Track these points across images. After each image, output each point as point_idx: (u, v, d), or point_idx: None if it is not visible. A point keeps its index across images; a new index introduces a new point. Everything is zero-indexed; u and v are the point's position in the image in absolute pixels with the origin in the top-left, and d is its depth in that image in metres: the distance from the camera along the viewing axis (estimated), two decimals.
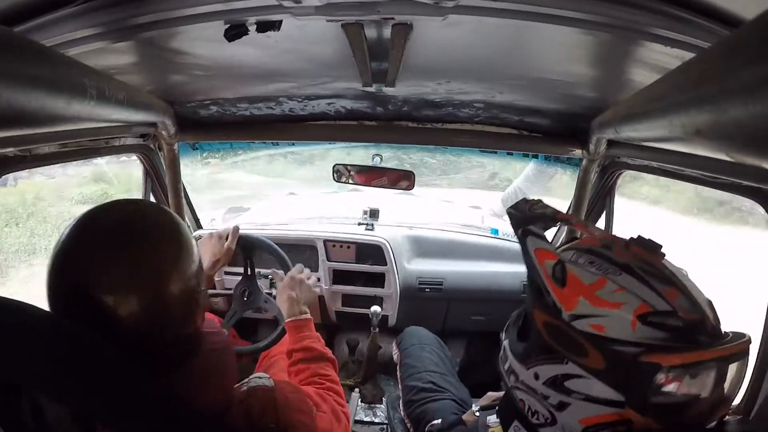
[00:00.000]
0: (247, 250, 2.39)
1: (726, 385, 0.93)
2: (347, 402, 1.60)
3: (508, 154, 2.58)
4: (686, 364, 0.90)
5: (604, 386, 0.95)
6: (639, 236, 1.07)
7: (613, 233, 2.44)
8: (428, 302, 3.09)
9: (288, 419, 1.18)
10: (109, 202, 1.02)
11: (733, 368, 0.93)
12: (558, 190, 3.70)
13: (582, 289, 1.00)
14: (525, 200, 1.30)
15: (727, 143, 0.70)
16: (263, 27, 1.18)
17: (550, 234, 2.84)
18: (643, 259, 1.02)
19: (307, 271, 2.10)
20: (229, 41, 1.21)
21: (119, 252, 0.91)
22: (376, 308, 2.87)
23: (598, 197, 2.52)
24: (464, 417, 1.64)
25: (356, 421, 2.74)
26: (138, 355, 0.91)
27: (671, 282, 0.98)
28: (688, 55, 1.06)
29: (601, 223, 2.57)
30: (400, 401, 2.14)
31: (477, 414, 1.53)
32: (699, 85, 0.74)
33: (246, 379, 1.25)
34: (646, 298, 0.96)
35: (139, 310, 0.91)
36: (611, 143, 2.06)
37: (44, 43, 0.96)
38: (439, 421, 1.68)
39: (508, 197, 3.68)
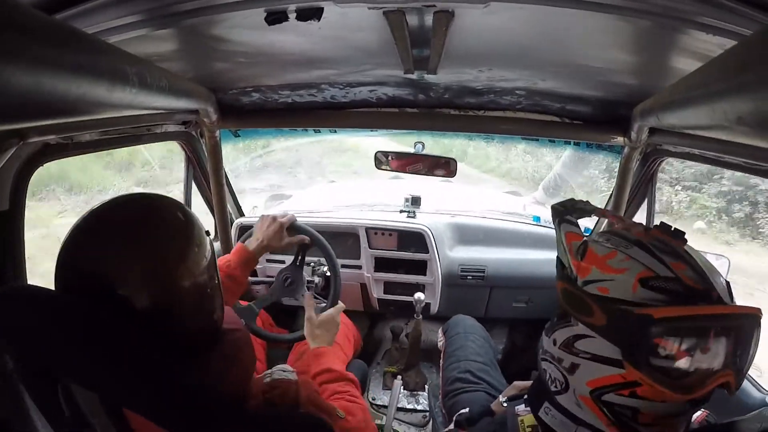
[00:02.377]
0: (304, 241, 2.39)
1: (730, 353, 0.94)
2: (390, 389, 1.61)
3: (550, 141, 2.54)
4: (678, 317, 0.93)
5: (606, 343, 1.00)
6: (662, 222, 1.12)
7: (654, 219, 2.43)
8: (470, 290, 3.08)
9: (308, 411, 1.19)
10: (120, 195, 1.04)
11: (736, 336, 0.94)
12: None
13: (596, 260, 1.08)
14: (572, 200, 1.42)
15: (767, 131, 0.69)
16: (304, 16, 1.18)
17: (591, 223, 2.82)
18: (659, 238, 1.07)
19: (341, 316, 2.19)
20: (270, 25, 1.21)
21: (127, 245, 0.94)
22: (420, 295, 2.85)
23: (639, 184, 2.49)
24: (492, 407, 1.64)
25: (398, 409, 2.74)
26: (153, 342, 0.93)
27: (681, 257, 1.02)
28: (730, 43, 1.04)
29: (643, 210, 2.55)
30: (440, 391, 2.15)
31: (505, 404, 1.53)
32: (740, 72, 0.74)
33: (269, 371, 1.26)
34: (649, 265, 1.00)
35: (148, 303, 0.93)
36: (653, 131, 2.03)
37: (85, 31, 0.96)
38: (467, 410, 1.68)
39: (549, 184, 3.65)
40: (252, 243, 2.16)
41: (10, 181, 1.37)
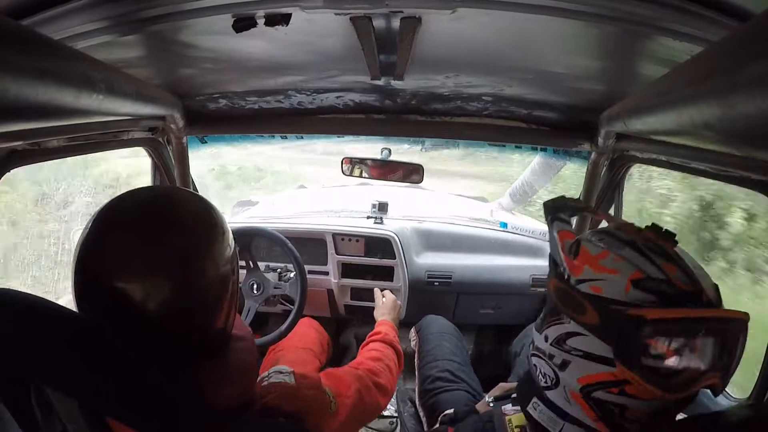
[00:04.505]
0: (242, 243, 2.40)
1: (717, 355, 0.97)
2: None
3: (517, 147, 2.57)
4: (669, 319, 0.95)
5: (599, 342, 1.01)
6: (654, 224, 1.12)
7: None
8: (437, 295, 3.10)
9: (302, 420, 1.18)
10: (137, 188, 1.02)
11: (724, 338, 0.97)
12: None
13: (588, 259, 1.09)
14: (564, 197, 1.44)
15: (735, 137, 0.71)
16: (272, 21, 1.18)
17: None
18: (650, 240, 1.08)
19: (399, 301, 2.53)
20: (237, 32, 1.21)
21: (147, 237, 0.92)
22: None
23: (606, 190, 2.52)
24: (477, 407, 1.65)
25: None
26: (161, 348, 0.92)
27: (672, 259, 1.03)
28: (697, 49, 1.06)
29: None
30: (416, 390, 2.18)
31: (491, 405, 1.55)
32: (707, 78, 0.75)
33: (267, 373, 1.26)
34: (642, 266, 1.02)
35: (169, 296, 0.91)
36: (620, 137, 2.05)
37: (52, 36, 0.96)
38: (452, 411, 1.70)
39: (516, 191, 3.67)
40: None
41: None
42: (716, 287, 1.03)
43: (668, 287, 0.98)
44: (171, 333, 0.93)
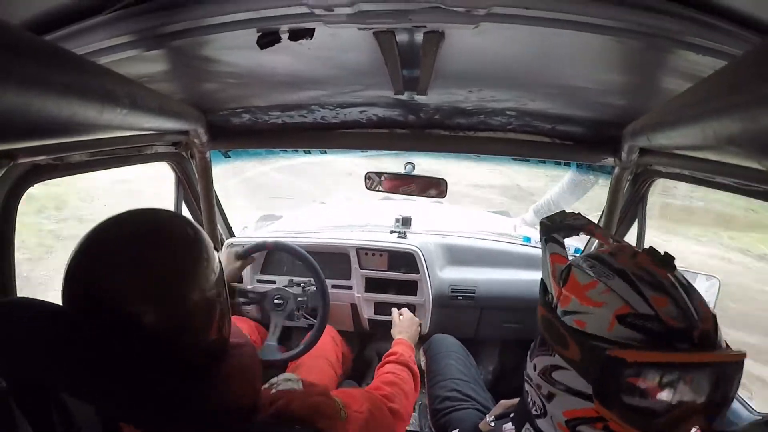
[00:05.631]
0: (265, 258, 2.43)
1: (703, 398, 0.92)
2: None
3: (540, 162, 2.55)
4: (650, 363, 0.91)
5: (580, 378, 1.00)
6: (651, 248, 1.11)
7: (645, 241, 2.44)
8: (461, 310, 3.07)
9: (313, 423, 1.19)
10: (127, 211, 1.03)
11: (712, 382, 0.93)
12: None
13: (576, 289, 1.07)
14: (563, 212, 1.42)
15: (759, 151, 0.70)
16: (296, 35, 1.18)
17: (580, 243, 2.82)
18: (644, 267, 1.05)
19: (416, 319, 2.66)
20: (262, 49, 1.21)
21: (135, 261, 0.93)
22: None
23: (630, 205, 2.51)
24: (480, 426, 1.63)
25: None
26: (159, 358, 0.93)
27: (664, 290, 1.00)
28: (720, 63, 1.04)
29: (633, 231, 2.55)
30: (428, 409, 2.14)
31: (492, 424, 1.53)
32: (731, 93, 0.74)
33: (275, 379, 1.26)
34: (629, 300, 0.98)
35: (156, 318, 0.92)
36: (643, 151, 2.04)
37: (75, 52, 0.97)
38: (457, 430, 1.67)
39: (540, 207, 3.66)
40: None
41: (1, 202, 1.37)
42: (714, 319, 0.99)
43: (656, 324, 0.95)
44: (160, 349, 0.94)
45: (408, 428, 2.77)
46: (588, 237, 2.62)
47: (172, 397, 0.91)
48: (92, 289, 0.91)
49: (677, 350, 0.93)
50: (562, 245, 1.28)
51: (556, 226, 1.36)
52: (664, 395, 0.91)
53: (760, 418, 1.74)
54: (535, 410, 1.14)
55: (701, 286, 2.20)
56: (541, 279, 1.23)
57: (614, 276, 1.04)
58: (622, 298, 0.99)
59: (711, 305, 1.94)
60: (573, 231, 1.44)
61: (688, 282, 1.04)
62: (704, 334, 0.95)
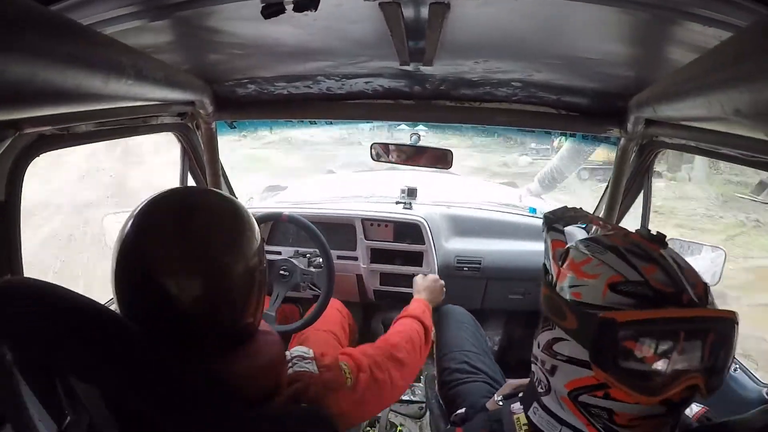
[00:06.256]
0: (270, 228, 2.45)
1: (695, 356, 0.94)
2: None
3: (546, 133, 2.54)
4: (641, 320, 0.95)
5: (579, 346, 1.03)
6: (642, 227, 1.18)
7: (650, 212, 2.44)
8: (466, 281, 3.08)
9: (321, 399, 1.22)
10: (169, 189, 1.06)
11: (705, 339, 0.95)
12: None
13: (573, 266, 1.12)
14: (565, 208, 1.49)
15: (765, 122, 0.70)
16: (300, 6, 1.17)
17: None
18: (636, 242, 1.10)
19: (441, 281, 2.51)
20: (266, 18, 1.20)
21: (180, 237, 0.96)
22: None
23: (635, 176, 2.51)
24: (487, 405, 1.64)
25: None
26: (189, 339, 0.95)
27: (654, 260, 1.04)
28: (726, 35, 1.03)
29: (639, 202, 2.57)
30: (436, 381, 2.16)
31: (500, 403, 1.55)
32: (737, 64, 0.74)
33: (289, 356, 1.29)
34: (620, 270, 1.03)
35: (200, 291, 0.96)
36: (649, 122, 2.04)
37: (81, 22, 0.96)
38: (463, 410, 1.69)
39: (545, 177, 3.66)
40: None
41: (6, 173, 1.37)
42: (705, 286, 1.02)
43: (646, 289, 0.99)
44: (201, 325, 0.97)
45: (415, 399, 2.80)
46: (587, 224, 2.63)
47: (180, 380, 0.91)
48: (140, 265, 0.94)
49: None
50: (562, 232, 1.34)
51: (558, 218, 1.42)
52: (656, 353, 0.94)
53: (767, 389, 1.76)
54: (541, 388, 1.17)
55: (707, 256, 2.21)
56: (543, 263, 1.26)
57: (607, 251, 1.08)
58: (614, 269, 1.03)
59: (717, 276, 1.94)
60: (574, 221, 1.50)
61: (681, 257, 1.07)
62: (696, 298, 0.98)
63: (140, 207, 1.00)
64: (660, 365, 0.94)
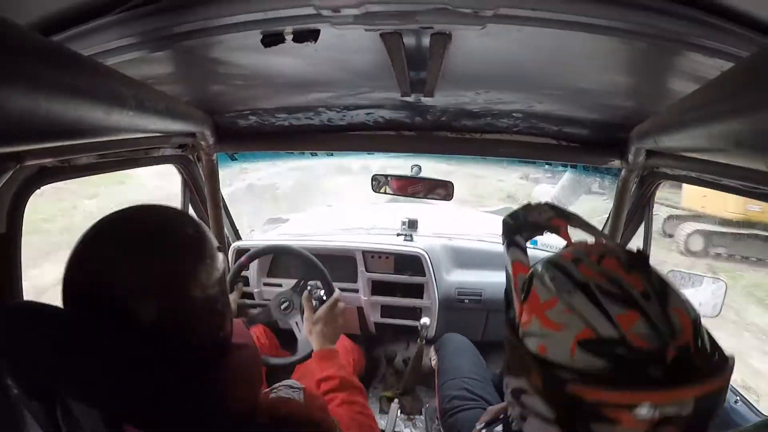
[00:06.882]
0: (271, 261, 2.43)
1: (680, 423, 0.82)
2: (387, 413, 1.61)
3: (547, 164, 2.54)
4: (609, 403, 0.83)
5: (547, 406, 0.91)
6: (622, 248, 1.01)
7: (651, 244, 2.42)
8: (467, 313, 3.07)
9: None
10: (131, 206, 1.02)
11: (684, 416, 0.82)
12: None
13: (536, 308, 0.97)
14: (528, 205, 1.31)
15: (766, 154, 0.69)
16: (300, 37, 1.18)
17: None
18: (612, 276, 0.92)
19: (342, 304, 2.12)
20: (266, 47, 1.21)
21: (138, 256, 0.92)
22: (426, 320, 2.85)
23: (636, 207, 2.50)
24: None
25: None
26: (156, 356, 0.91)
27: (633, 303, 0.88)
28: (727, 65, 1.04)
29: (640, 234, 2.56)
30: (437, 409, 2.13)
31: (483, 431, 1.50)
32: (738, 95, 0.74)
33: (276, 385, 1.25)
34: (592, 322, 0.88)
35: (156, 314, 0.91)
36: (650, 153, 2.03)
37: (82, 53, 0.96)
38: None
39: None
40: None
41: (7, 204, 1.37)
42: (694, 326, 0.88)
43: (622, 349, 0.84)
44: (158, 346, 0.92)
45: (415, 431, 2.77)
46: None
47: (168, 396, 0.90)
48: (90, 282, 0.90)
49: (647, 378, 0.84)
50: (524, 251, 1.19)
51: (519, 225, 1.26)
52: (632, 428, 0.83)
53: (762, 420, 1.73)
54: (515, 426, 1.09)
55: (707, 288, 2.19)
56: (505, 291, 1.14)
57: (576, 290, 0.92)
58: (584, 320, 0.88)
59: (717, 308, 1.90)
60: (537, 230, 1.29)
61: (666, 284, 0.92)
62: (679, 353, 0.85)
63: (99, 222, 0.96)
64: None
